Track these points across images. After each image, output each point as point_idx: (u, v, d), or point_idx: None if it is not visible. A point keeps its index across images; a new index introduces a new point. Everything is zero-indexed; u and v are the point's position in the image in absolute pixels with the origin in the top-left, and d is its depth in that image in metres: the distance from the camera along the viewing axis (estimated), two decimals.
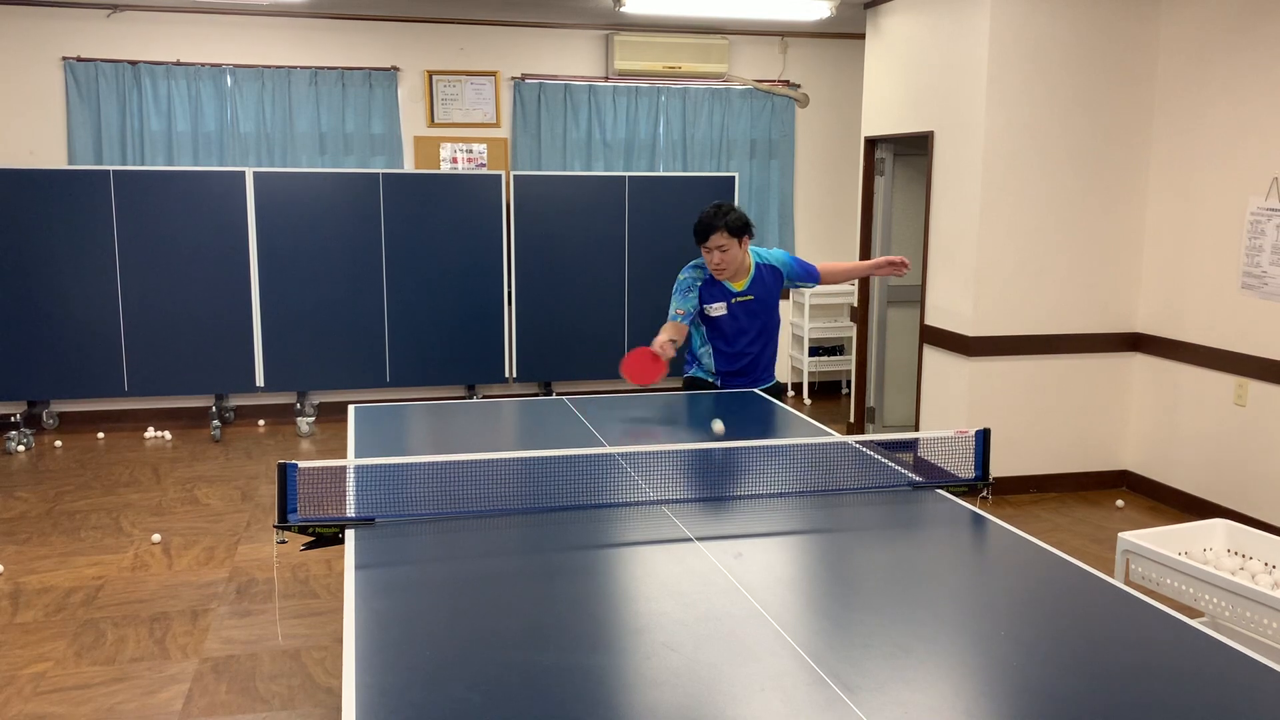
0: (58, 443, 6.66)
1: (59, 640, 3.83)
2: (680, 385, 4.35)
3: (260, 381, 6.96)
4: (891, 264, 4.29)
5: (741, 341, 4.17)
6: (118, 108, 6.91)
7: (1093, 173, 5.50)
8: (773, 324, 4.24)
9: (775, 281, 4.20)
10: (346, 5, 6.85)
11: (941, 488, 2.88)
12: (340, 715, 2.15)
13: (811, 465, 3.10)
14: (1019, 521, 5.23)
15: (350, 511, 2.62)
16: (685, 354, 4.36)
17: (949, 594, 2.15)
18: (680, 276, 4.17)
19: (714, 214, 4.00)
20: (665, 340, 3.93)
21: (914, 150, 6.58)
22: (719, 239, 3.99)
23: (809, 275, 4.31)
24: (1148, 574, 3.11)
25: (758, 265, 4.16)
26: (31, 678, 3.55)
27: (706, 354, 4.24)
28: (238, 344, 6.90)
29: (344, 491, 2.73)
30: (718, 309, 4.10)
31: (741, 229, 4.01)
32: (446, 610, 2.05)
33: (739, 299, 4.12)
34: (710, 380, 4.24)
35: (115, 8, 6.82)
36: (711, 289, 4.11)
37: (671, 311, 4.13)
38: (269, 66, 7.06)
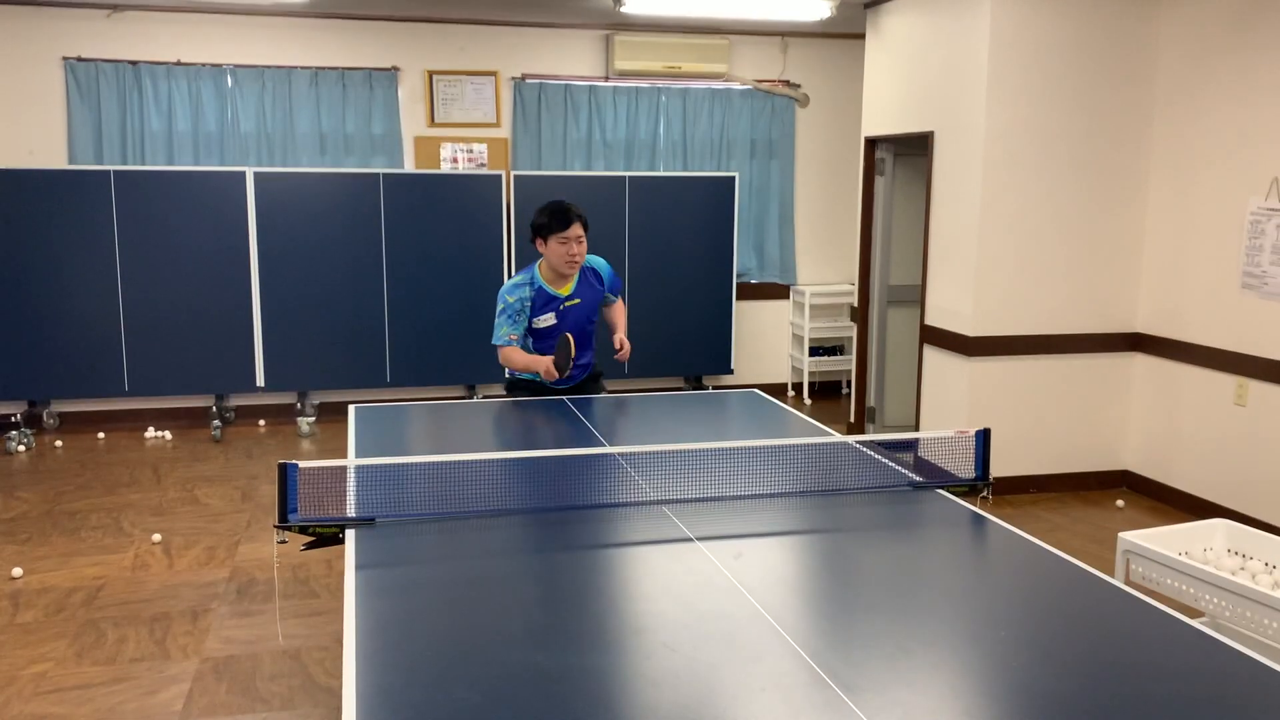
0: (58, 443, 6.66)
1: (59, 640, 3.83)
2: (505, 389, 4.26)
3: (260, 381, 6.96)
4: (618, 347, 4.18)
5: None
6: (118, 108, 6.91)
7: (1093, 173, 5.50)
8: (590, 329, 4.19)
9: (598, 284, 4.17)
10: (346, 5, 6.85)
11: (942, 488, 2.89)
12: (340, 715, 2.15)
13: (811, 465, 3.11)
14: (1019, 521, 5.22)
15: (350, 511, 2.62)
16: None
17: (949, 594, 2.15)
18: (508, 299, 4.02)
19: (568, 205, 3.94)
20: (551, 365, 3.92)
21: (914, 150, 6.58)
22: (578, 229, 3.96)
23: (615, 291, 4.28)
24: (1148, 574, 3.11)
25: (583, 269, 4.13)
26: (32, 678, 3.55)
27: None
28: (238, 344, 6.90)
29: (344, 491, 2.73)
30: (546, 320, 4.06)
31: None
32: (446, 610, 2.05)
33: (567, 303, 4.07)
34: (534, 379, 4.12)
35: (115, 8, 6.82)
36: (540, 301, 4.04)
37: (504, 337, 4.01)
38: (269, 66, 7.06)
